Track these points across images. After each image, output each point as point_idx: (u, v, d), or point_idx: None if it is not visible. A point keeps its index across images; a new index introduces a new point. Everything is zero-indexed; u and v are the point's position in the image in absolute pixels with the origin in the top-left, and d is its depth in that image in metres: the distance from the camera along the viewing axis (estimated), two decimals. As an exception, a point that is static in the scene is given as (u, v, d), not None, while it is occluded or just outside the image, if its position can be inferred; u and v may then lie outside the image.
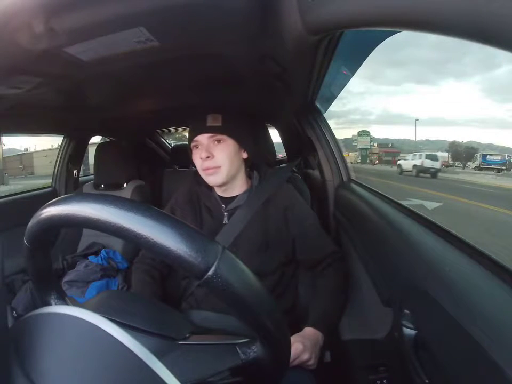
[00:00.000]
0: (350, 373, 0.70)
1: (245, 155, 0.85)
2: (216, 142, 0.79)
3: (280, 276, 0.81)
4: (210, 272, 0.25)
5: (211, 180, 0.80)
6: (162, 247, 0.25)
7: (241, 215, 0.81)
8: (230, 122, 0.80)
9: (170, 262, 0.25)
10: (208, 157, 0.77)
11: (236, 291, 0.26)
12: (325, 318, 0.72)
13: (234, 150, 0.80)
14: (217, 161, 0.78)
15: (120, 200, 0.26)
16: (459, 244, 0.46)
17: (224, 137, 0.79)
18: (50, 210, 0.28)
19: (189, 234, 0.25)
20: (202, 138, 0.79)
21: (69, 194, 0.29)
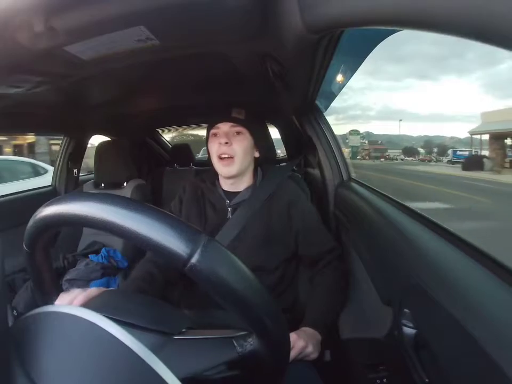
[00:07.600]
0: (350, 371, 0.70)
1: (256, 154, 0.88)
2: (235, 133, 0.82)
3: (282, 273, 0.81)
4: (193, 260, 0.25)
5: (225, 170, 0.82)
6: (144, 237, 0.26)
7: (245, 210, 0.82)
8: (252, 118, 0.85)
9: (153, 251, 0.26)
10: (226, 143, 0.80)
11: (222, 280, 0.26)
12: (321, 318, 0.72)
13: (249, 145, 0.84)
14: (234, 150, 0.81)
15: (104, 196, 0.28)
16: (459, 244, 0.46)
17: (244, 130, 0.83)
18: (44, 211, 0.30)
19: (170, 224, 0.26)
20: (224, 126, 0.82)
21: (60, 196, 0.31)
